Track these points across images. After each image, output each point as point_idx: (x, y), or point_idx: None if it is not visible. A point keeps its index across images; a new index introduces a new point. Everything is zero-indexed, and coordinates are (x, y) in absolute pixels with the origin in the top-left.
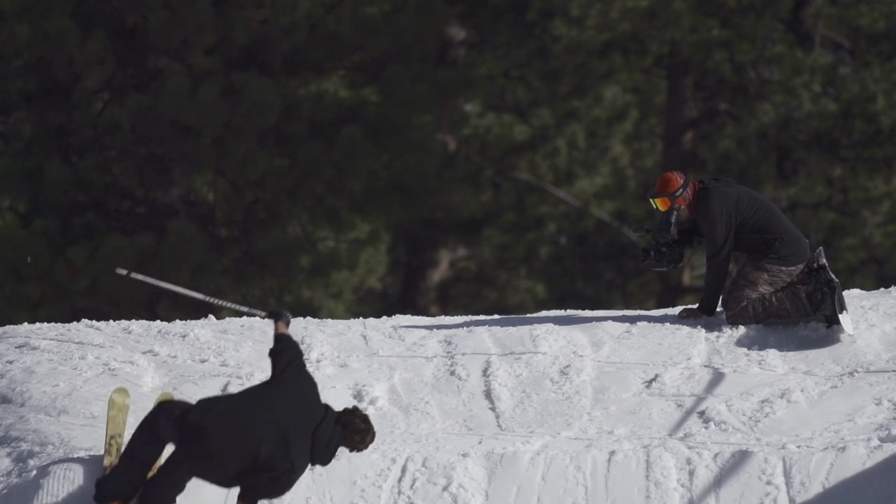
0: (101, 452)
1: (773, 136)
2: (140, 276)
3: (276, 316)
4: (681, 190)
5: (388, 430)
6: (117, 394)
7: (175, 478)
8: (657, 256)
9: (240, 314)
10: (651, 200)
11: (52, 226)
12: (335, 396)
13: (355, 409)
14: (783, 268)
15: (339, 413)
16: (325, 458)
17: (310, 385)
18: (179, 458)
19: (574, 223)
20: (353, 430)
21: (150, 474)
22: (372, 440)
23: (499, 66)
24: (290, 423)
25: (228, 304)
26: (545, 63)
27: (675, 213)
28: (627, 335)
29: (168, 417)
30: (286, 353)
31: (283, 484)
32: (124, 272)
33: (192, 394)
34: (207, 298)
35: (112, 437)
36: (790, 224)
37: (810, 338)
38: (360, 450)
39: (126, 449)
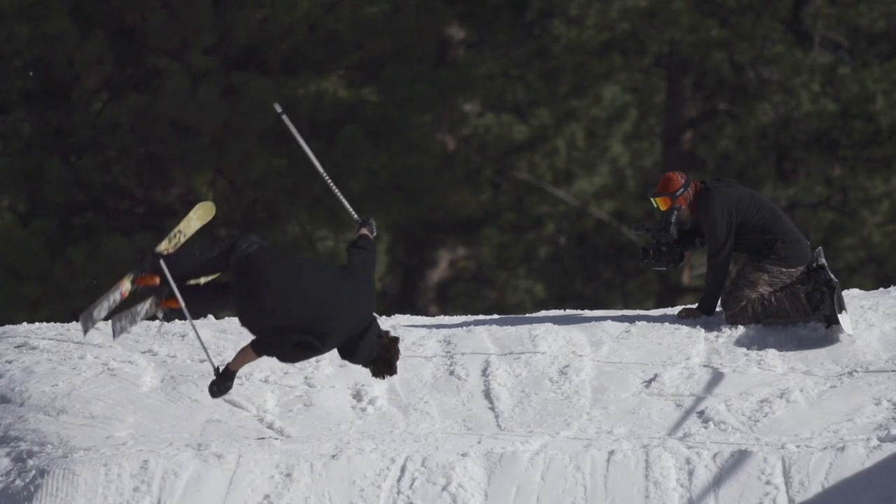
0: (103, 443)
1: (772, 135)
2: (290, 123)
3: (365, 223)
4: (682, 189)
5: (387, 429)
6: (206, 204)
7: (215, 299)
8: (657, 256)
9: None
10: (652, 199)
11: (51, 226)
12: (335, 396)
13: (395, 339)
14: (784, 269)
15: (382, 330)
16: (358, 362)
17: (371, 291)
18: (229, 288)
19: (573, 223)
20: (387, 357)
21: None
22: (390, 375)
23: (498, 66)
24: (341, 312)
25: (338, 193)
26: (544, 63)
27: (675, 212)
28: (627, 335)
29: (243, 250)
30: (368, 254)
31: (299, 355)
32: (279, 109)
33: (191, 394)
34: (326, 176)
35: (179, 231)
36: (792, 225)
37: (809, 338)
38: (376, 375)
39: (196, 247)
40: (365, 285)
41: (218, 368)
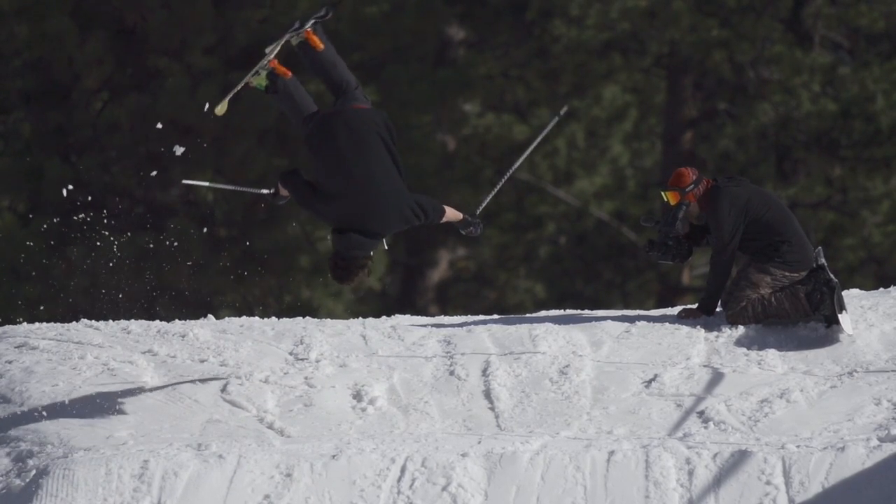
0: (103, 443)
1: (772, 135)
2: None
3: (471, 220)
4: (692, 186)
5: (387, 429)
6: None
7: (305, 109)
8: (663, 249)
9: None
10: (662, 193)
11: (51, 226)
12: (335, 396)
13: (367, 271)
14: (787, 273)
15: (371, 256)
16: (337, 245)
17: (400, 222)
18: (319, 113)
19: (573, 223)
20: (353, 266)
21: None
22: (337, 280)
23: (498, 66)
24: (373, 206)
25: (499, 186)
26: (545, 63)
27: (683, 208)
28: (627, 335)
29: (358, 100)
30: (428, 210)
31: (312, 202)
32: (563, 112)
33: (191, 394)
34: (518, 163)
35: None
36: (801, 230)
37: (810, 338)
38: (330, 267)
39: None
40: (402, 220)
41: (269, 190)
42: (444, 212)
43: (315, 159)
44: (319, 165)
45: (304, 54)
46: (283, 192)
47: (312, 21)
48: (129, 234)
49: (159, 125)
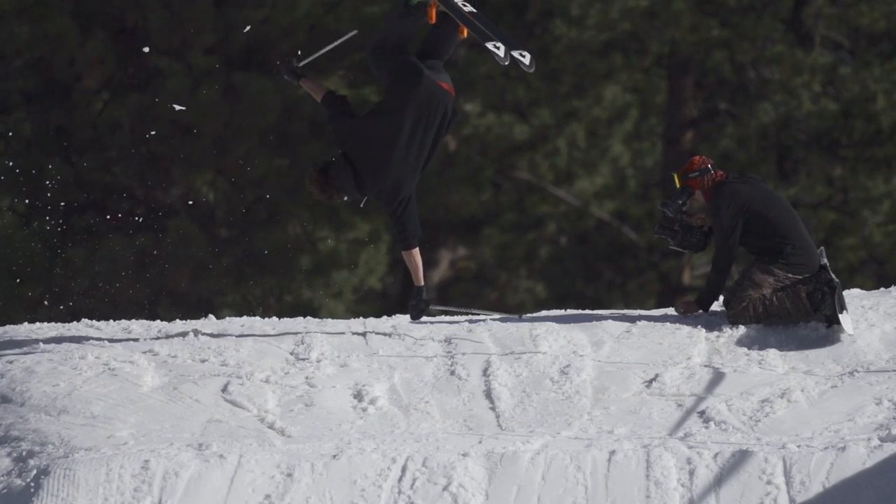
0: (104, 443)
1: (773, 135)
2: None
3: (419, 302)
4: (697, 174)
5: (388, 429)
6: None
7: (412, 59)
8: (670, 234)
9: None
10: (673, 175)
11: (51, 226)
12: (336, 396)
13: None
14: (790, 275)
15: (343, 198)
16: (335, 163)
17: (388, 201)
18: (427, 73)
19: (574, 223)
20: (321, 190)
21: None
22: (305, 180)
23: (498, 66)
24: (388, 172)
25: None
26: (545, 63)
27: (686, 193)
28: (627, 335)
29: (444, 77)
30: (403, 229)
31: (342, 125)
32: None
33: (192, 394)
34: None
35: None
36: (806, 234)
37: (810, 337)
38: (311, 169)
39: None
40: (389, 196)
41: (297, 68)
42: (413, 247)
43: (386, 91)
44: (384, 100)
45: (445, 27)
46: (308, 84)
47: (514, 55)
48: (129, 234)
49: (180, 106)
